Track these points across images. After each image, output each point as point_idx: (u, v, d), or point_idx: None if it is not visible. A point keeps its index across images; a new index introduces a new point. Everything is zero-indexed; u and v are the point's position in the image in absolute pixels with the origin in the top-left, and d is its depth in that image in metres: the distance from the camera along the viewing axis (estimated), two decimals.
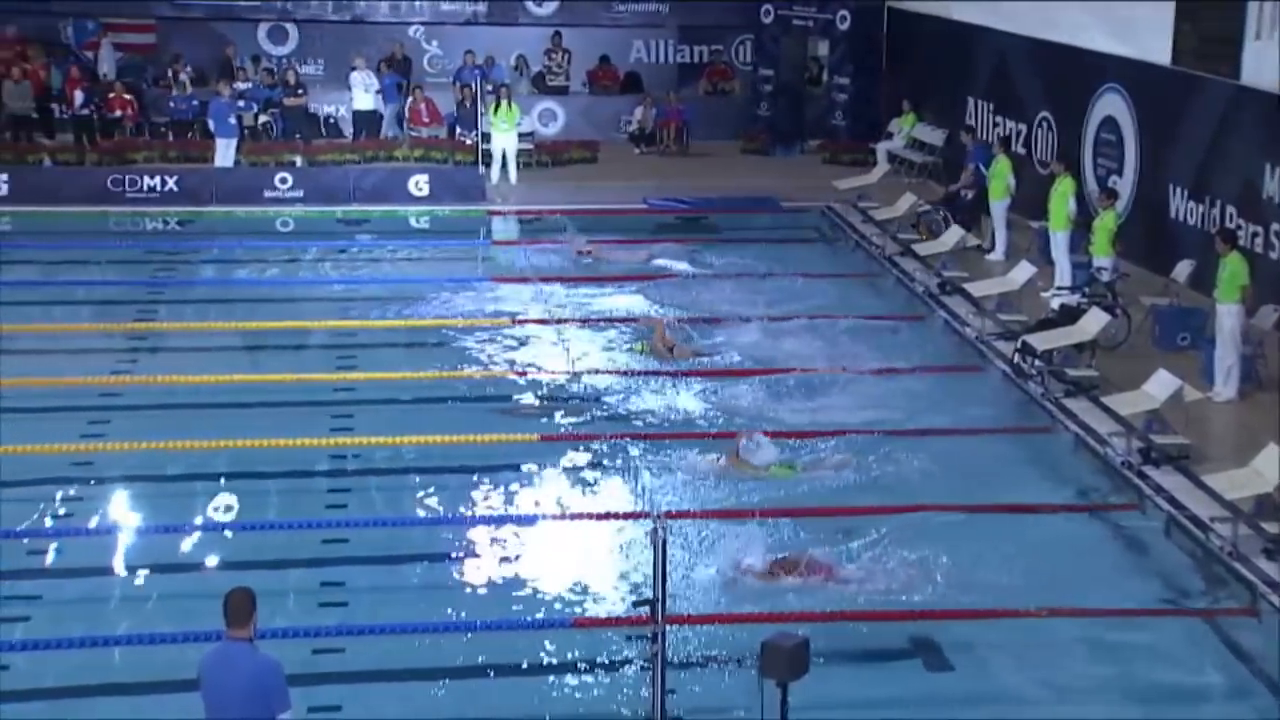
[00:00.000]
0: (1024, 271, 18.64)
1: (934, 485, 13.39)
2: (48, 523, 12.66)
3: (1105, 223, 17.78)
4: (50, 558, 12.09)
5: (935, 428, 14.73)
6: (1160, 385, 14.35)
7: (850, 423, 14.74)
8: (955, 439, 14.59)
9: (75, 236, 22.09)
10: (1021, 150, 22.53)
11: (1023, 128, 22.99)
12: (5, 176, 23.53)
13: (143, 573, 11.95)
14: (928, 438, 14.44)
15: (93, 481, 13.50)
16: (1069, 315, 16.66)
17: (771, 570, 11.57)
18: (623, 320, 18.21)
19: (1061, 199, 18.89)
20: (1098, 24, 21.01)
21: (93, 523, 12.76)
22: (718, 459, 13.74)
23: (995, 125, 23.84)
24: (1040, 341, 16.08)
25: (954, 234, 20.57)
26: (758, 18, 29.09)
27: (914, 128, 26.12)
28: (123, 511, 13.08)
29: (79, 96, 26.06)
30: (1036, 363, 15.89)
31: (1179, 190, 18.94)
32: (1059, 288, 18.19)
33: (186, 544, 12.40)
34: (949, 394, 15.94)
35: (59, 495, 13.15)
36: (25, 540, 12.28)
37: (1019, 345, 16.32)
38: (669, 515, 11.82)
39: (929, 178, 24.76)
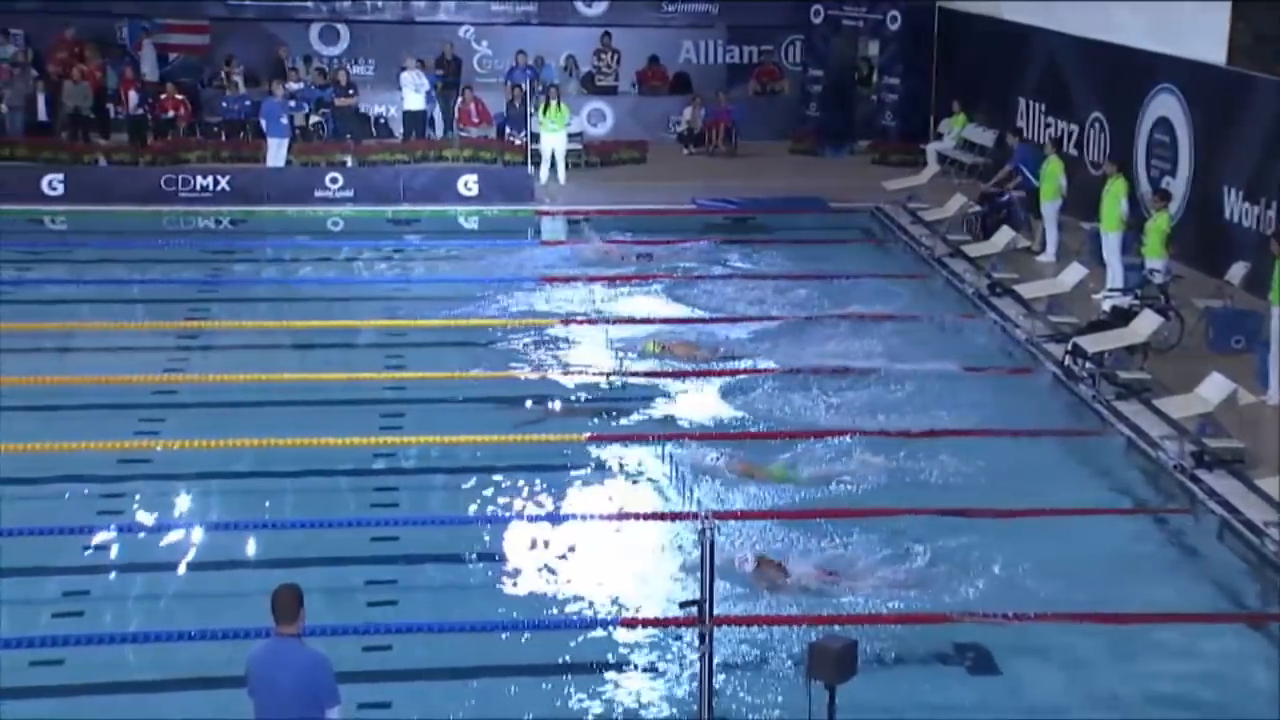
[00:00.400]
0: (1075, 273, 18.51)
1: (983, 488, 13.31)
2: (101, 519, 12.78)
3: (1158, 224, 17.63)
4: (103, 554, 12.20)
5: (984, 429, 14.65)
6: (1213, 388, 14.22)
7: (896, 424, 14.69)
8: (1004, 441, 14.51)
9: (129, 236, 22.31)
10: (1073, 151, 22.37)
11: (1075, 128, 22.82)
12: (61, 176, 23.80)
13: (194, 569, 12.04)
14: (976, 439, 14.37)
15: (145, 478, 13.61)
16: (1121, 317, 16.54)
17: (760, 567, 11.55)
18: (669, 321, 18.23)
19: (1113, 200, 18.74)
20: (1151, 24, 20.83)
21: (144, 519, 12.88)
22: (720, 460, 13.75)
23: (1047, 126, 23.68)
24: (1092, 344, 15.97)
25: (1004, 235, 20.46)
26: (808, 18, 29.02)
27: (964, 128, 25.99)
28: (174, 508, 13.18)
29: (134, 97, 26.37)
30: (1088, 365, 15.78)
31: (1233, 191, 18.75)
32: (1111, 289, 18.06)
33: (237, 541, 12.48)
34: (998, 396, 15.85)
35: (112, 492, 13.27)
36: (79, 536, 12.41)
37: (1070, 347, 16.21)
38: (716, 515, 11.80)
39: (979, 179, 24.62)
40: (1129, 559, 12.30)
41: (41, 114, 26.34)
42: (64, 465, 13.58)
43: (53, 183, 23.62)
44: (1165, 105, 20.27)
